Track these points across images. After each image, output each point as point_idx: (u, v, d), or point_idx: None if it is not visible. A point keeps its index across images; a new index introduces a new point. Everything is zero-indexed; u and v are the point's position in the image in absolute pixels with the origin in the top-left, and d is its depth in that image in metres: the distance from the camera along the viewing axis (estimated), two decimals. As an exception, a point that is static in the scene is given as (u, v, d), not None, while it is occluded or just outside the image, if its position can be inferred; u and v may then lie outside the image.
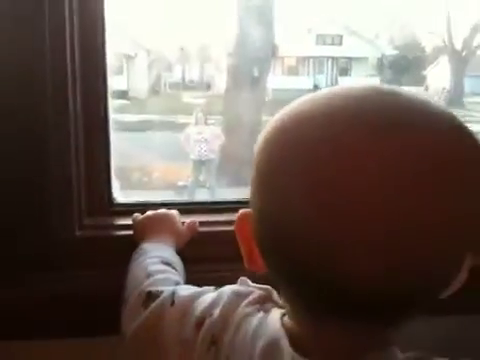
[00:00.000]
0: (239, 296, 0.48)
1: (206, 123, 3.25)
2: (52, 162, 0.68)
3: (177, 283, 0.57)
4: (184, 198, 3.34)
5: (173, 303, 0.52)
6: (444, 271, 0.35)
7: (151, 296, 0.54)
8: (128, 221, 0.72)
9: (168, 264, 0.60)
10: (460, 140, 0.34)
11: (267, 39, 3.21)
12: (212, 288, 0.52)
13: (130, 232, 0.71)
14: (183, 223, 0.70)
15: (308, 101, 0.37)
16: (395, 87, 0.36)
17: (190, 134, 3.24)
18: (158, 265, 0.59)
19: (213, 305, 0.49)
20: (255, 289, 0.48)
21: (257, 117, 3.17)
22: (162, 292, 0.54)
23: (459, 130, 0.35)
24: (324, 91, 0.37)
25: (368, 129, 0.33)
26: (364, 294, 0.34)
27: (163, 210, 0.71)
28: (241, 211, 0.42)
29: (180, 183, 3.31)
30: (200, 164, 3.31)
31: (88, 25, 0.69)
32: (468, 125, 0.36)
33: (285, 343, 0.41)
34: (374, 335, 0.39)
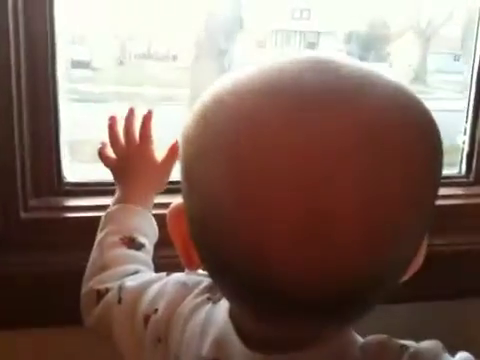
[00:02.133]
0: (186, 287, 0.46)
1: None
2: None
3: (135, 271, 0.54)
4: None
5: (120, 300, 0.50)
6: (382, 260, 0.31)
7: (100, 294, 0.52)
8: (80, 202, 0.68)
9: (131, 242, 0.56)
10: (401, 117, 0.30)
11: (234, 11, 3.14)
12: (164, 274, 0.50)
13: (82, 214, 0.67)
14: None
15: (231, 82, 0.33)
16: (336, 59, 0.32)
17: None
18: (118, 249, 0.55)
19: (157, 298, 0.46)
20: (204, 277, 0.46)
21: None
22: (109, 290, 0.51)
23: (401, 106, 0.31)
24: (250, 68, 0.33)
25: (293, 107, 0.29)
26: (286, 288, 0.30)
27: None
28: (172, 206, 0.37)
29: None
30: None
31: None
32: (429, 103, 0.33)
33: (233, 336, 0.38)
34: (323, 328, 0.35)
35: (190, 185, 0.33)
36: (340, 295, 0.31)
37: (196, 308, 0.43)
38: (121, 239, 0.55)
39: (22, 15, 0.62)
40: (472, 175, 0.83)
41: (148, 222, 0.59)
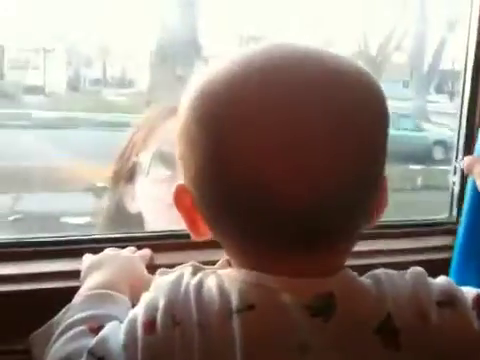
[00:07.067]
0: (176, 281, 0.44)
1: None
2: None
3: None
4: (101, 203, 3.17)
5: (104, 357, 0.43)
6: (356, 182, 0.41)
7: None
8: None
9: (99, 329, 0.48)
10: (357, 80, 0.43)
11: (191, 38, 3.18)
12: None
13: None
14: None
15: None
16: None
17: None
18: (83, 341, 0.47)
19: (153, 304, 0.43)
20: (181, 268, 0.46)
21: (181, 116, 3.11)
22: None
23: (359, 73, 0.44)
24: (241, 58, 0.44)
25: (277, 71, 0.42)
26: (291, 212, 0.39)
27: (123, 251, 0.64)
28: (176, 185, 0.44)
29: (100, 184, 3.14)
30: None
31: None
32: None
33: (260, 276, 0.42)
34: (329, 260, 0.43)
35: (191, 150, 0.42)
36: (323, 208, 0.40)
37: (201, 281, 0.43)
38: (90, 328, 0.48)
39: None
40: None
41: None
